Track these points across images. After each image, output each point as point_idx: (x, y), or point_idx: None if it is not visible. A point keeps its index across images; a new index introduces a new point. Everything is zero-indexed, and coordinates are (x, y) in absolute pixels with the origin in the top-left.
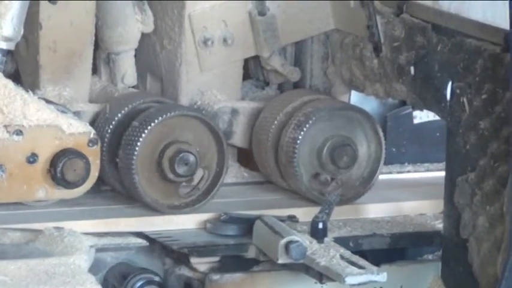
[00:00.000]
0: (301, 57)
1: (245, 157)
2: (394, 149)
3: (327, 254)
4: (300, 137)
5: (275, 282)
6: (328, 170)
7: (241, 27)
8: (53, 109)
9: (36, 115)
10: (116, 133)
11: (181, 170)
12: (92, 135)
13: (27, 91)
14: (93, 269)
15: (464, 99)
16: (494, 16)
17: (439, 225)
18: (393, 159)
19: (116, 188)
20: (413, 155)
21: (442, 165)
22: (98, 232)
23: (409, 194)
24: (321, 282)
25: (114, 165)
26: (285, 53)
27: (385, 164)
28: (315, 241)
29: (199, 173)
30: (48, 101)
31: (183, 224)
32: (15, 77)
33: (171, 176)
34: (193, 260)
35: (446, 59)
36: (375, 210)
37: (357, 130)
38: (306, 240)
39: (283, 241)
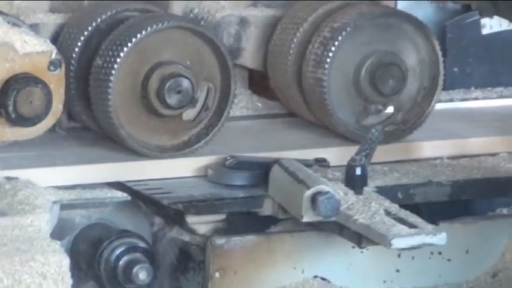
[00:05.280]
0: None
1: (258, 82)
2: (456, 69)
3: (368, 209)
4: (331, 55)
5: (299, 246)
6: (368, 98)
7: None
8: (1, 22)
9: None
10: (87, 52)
11: (172, 99)
12: (53, 56)
13: None
14: (58, 233)
15: None
16: None
17: None
18: (455, 82)
19: (87, 125)
20: (481, 76)
21: None
22: (63, 184)
23: (476, 128)
24: (359, 246)
25: (84, 95)
26: None
27: (445, 89)
28: (351, 192)
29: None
30: None
31: (176, 172)
32: None
33: (159, 108)
34: (191, 219)
35: None
36: (431, 149)
37: (406, 44)
38: (339, 190)
39: (309, 192)
